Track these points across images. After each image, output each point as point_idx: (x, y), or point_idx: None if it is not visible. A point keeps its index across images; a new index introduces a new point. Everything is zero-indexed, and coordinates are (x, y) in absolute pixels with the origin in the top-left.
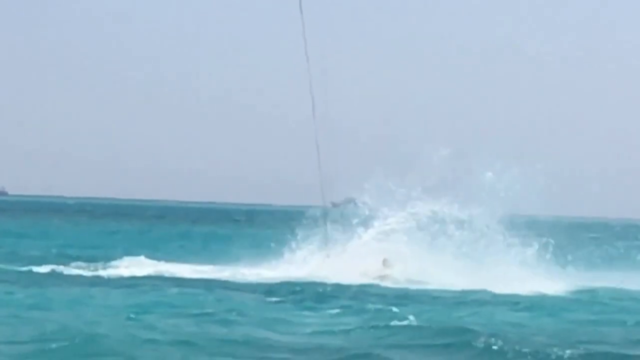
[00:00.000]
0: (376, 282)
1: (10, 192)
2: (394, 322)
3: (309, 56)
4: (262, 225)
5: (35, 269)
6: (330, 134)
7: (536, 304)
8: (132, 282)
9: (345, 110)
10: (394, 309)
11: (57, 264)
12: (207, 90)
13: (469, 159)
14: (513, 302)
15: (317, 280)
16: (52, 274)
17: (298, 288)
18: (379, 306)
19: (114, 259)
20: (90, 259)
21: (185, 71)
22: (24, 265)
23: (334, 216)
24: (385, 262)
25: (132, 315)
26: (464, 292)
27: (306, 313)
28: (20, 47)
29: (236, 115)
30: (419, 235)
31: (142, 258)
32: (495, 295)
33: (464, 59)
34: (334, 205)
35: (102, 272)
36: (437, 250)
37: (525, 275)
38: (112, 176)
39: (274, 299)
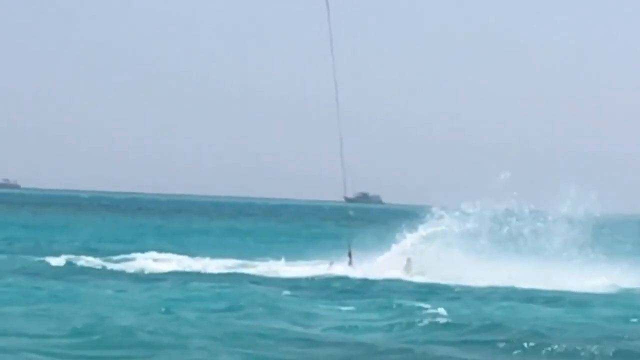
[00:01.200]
0: (404, 278)
1: (22, 185)
2: (428, 319)
3: (334, 55)
4: (278, 219)
5: (61, 262)
6: (352, 129)
7: (576, 301)
8: (159, 277)
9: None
10: (424, 305)
11: (83, 257)
12: (222, 85)
13: (535, 184)
14: (552, 298)
15: (341, 275)
16: (78, 267)
17: (326, 283)
18: (408, 301)
19: (140, 252)
20: (116, 253)
21: (201, 63)
22: (49, 258)
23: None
24: (408, 262)
25: (163, 309)
26: (495, 288)
27: (338, 307)
28: (35, 38)
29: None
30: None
31: (169, 254)
32: (527, 291)
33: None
34: (348, 200)
35: (129, 267)
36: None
37: (573, 272)
38: (123, 170)
39: (303, 293)
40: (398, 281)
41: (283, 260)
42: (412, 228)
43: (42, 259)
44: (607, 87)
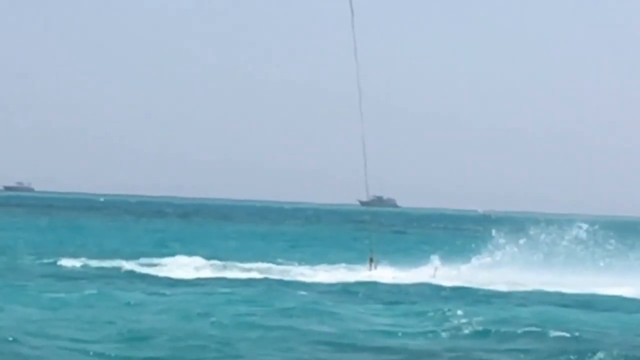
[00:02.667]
0: (435, 282)
1: (36, 188)
2: (469, 325)
3: (357, 58)
4: (292, 223)
5: (96, 266)
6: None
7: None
8: (196, 282)
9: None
10: (460, 310)
11: (116, 262)
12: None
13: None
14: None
15: (369, 280)
16: (115, 273)
17: (361, 289)
18: (445, 306)
19: (169, 256)
20: (148, 256)
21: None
22: (78, 262)
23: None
24: (437, 270)
25: (204, 312)
26: (527, 292)
27: (376, 312)
28: (48, 39)
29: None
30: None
31: (198, 258)
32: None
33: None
34: (362, 203)
35: (160, 271)
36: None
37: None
38: (136, 172)
39: (339, 297)
40: (432, 286)
41: (309, 264)
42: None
43: (69, 262)
44: None
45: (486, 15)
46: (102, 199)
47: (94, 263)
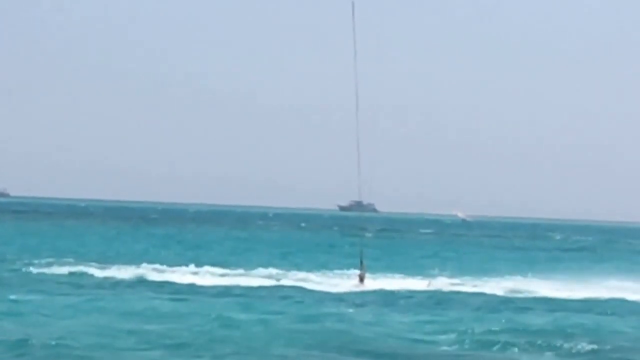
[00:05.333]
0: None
1: (11, 194)
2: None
3: (356, 67)
4: (276, 228)
5: (112, 274)
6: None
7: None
8: (219, 291)
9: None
10: (489, 314)
11: (129, 269)
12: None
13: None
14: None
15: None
16: (137, 281)
17: (372, 296)
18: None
19: (184, 265)
20: (160, 262)
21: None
22: (99, 270)
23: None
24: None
25: (232, 320)
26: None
27: (403, 318)
28: (21, 48)
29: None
30: None
31: (206, 267)
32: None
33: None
34: (342, 208)
35: (173, 278)
36: None
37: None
38: (115, 178)
39: (360, 305)
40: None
41: (316, 271)
42: None
43: (85, 270)
44: None
45: (462, 18)
46: (83, 204)
47: (118, 269)
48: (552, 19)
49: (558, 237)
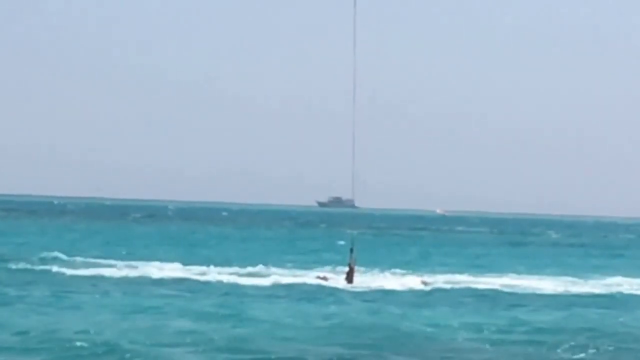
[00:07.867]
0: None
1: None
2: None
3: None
4: (258, 224)
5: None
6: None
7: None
8: (229, 290)
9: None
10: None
11: (138, 267)
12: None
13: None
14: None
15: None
16: (145, 277)
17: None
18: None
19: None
20: (174, 260)
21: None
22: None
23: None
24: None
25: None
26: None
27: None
28: (12, 44)
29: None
30: None
31: (211, 267)
32: None
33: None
34: (321, 204)
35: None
36: None
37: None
38: (86, 175)
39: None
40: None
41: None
42: None
43: (96, 271)
44: None
45: (442, 12)
46: (56, 202)
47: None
48: (551, 12)
49: (555, 235)
